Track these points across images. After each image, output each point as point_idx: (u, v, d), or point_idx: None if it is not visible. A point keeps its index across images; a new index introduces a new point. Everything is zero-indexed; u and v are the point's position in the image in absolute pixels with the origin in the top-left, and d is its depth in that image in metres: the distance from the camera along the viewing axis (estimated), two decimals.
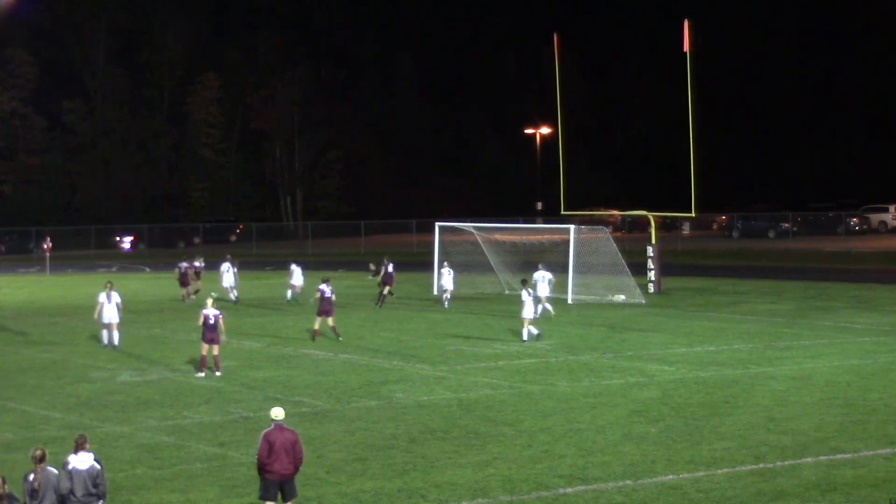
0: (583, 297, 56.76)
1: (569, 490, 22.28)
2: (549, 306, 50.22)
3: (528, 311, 42.76)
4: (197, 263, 60.26)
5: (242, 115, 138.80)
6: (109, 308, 41.76)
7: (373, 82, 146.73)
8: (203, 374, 35.43)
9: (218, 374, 35.46)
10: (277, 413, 20.26)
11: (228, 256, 60.57)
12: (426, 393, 32.38)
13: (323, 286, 43.65)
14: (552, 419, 28.66)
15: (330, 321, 43.34)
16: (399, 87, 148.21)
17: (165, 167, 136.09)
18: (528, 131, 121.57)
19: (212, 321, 35.66)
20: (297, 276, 58.35)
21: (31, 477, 17.67)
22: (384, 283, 55.42)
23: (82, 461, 18.07)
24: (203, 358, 35.86)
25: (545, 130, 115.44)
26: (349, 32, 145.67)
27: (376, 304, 55.25)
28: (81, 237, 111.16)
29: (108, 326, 41.95)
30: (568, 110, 65.82)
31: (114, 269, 69.80)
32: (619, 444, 25.92)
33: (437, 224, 64.10)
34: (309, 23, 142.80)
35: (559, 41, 64.80)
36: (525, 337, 42.69)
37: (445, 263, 56.17)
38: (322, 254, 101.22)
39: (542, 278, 50.28)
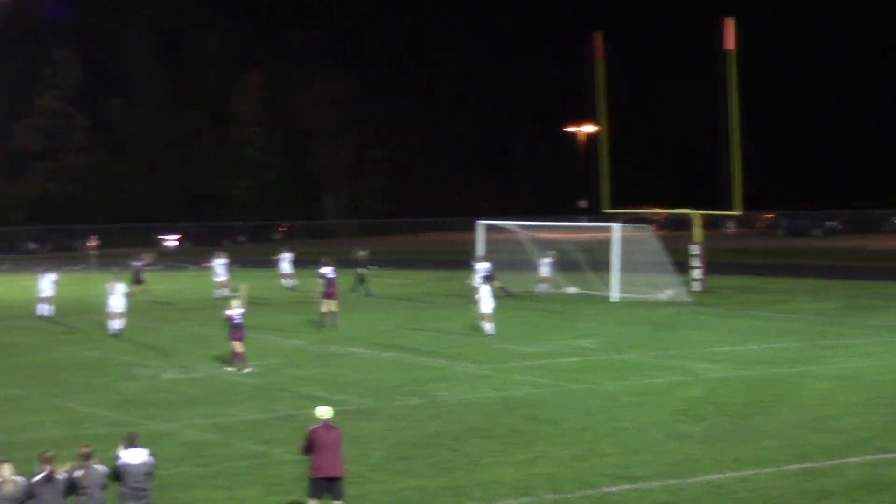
0: (627, 295, 56.59)
1: (613, 489, 22.21)
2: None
3: (485, 307, 43.78)
4: (143, 262, 60.70)
5: (286, 113, 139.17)
6: (115, 298, 45.10)
7: (416, 81, 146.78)
8: (233, 369, 36.01)
9: (247, 370, 35.86)
10: (324, 411, 20.25)
11: (287, 246, 67.01)
12: (470, 391, 32.36)
13: (325, 269, 45.61)
14: (596, 418, 28.59)
15: (333, 305, 44.91)
16: (442, 85, 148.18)
17: (209, 166, 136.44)
18: (571, 129, 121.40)
19: (237, 321, 36.18)
20: (286, 265, 64.18)
21: (78, 474, 17.78)
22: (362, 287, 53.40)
23: (135, 456, 18.27)
24: (237, 354, 36.37)
25: (588, 128, 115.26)
26: (393, 31, 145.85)
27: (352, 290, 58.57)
28: (127, 235, 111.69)
29: (116, 315, 45.37)
30: (611, 108, 65.66)
31: (159, 268, 70.10)
32: (663, 443, 25.83)
33: (480, 222, 64.03)
34: (352, 21, 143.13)
35: (602, 39, 64.65)
36: (488, 331, 43.48)
37: (478, 259, 56.00)
38: (352, 252, 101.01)
39: (481, 270, 53.22)
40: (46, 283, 52.10)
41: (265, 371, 36.01)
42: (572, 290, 59.52)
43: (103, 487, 17.89)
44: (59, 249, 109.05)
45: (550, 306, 54.53)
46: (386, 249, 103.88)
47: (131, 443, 18.44)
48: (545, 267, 60.48)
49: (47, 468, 17.39)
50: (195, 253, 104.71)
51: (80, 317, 51.63)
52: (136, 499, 18.30)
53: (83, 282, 71.83)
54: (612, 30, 74.22)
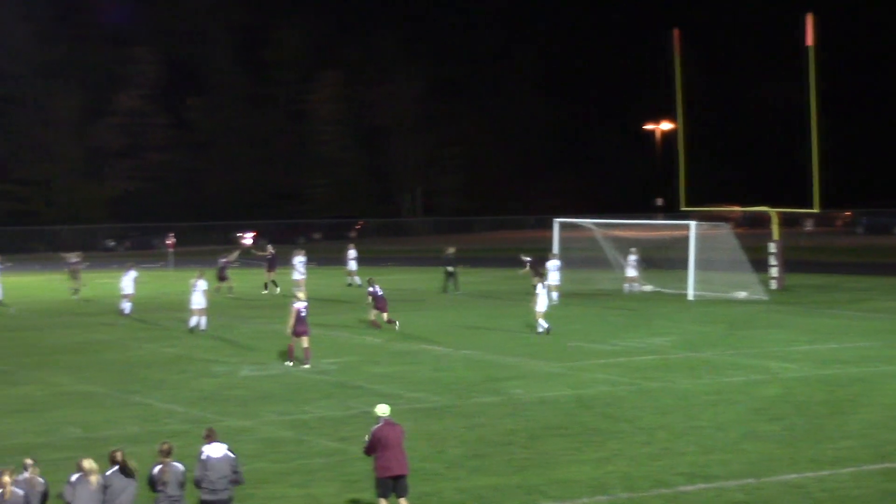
0: (703, 293, 56.29)
1: (689, 488, 22.13)
2: (555, 295, 52.65)
3: (542, 304, 43.53)
4: (74, 260, 60.85)
5: (363, 111, 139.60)
6: (197, 295, 45.70)
7: (492, 78, 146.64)
8: (290, 364, 36.49)
9: (306, 366, 36.21)
10: (384, 409, 20.38)
11: (352, 245, 67.43)
12: (545, 389, 32.33)
13: (372, 288, 46.13)
14: (672, 416, 28.49)
15: (385, 316, 45.75)
16: (518, 82, 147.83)
17: (286, 163, 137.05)
18: (648, 127, 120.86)
19: (303, 314, 36.66)
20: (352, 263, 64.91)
21: (157, 469, 18.07)
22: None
23: (216, 450, 18.70)
24: (291, 349, 36.94)
25: (665, 126, 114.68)
26: (468, 28, 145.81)
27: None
28: (204, 233, 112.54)
29: (197, 312, 45.87)
30: (688, 105, 65.27)
31: (235, 265, 70.38)
32: (740, 442, 25.69)
33: (556, 220, 63.88)
34: (428, 18, 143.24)
35: (679, 35, 64.31)
36: (539, 329, 43.35)
37: (551, 257, 55.91)
38: (441, 250, 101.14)
39: (554, 267, 53.47)
40: (128, 281, 52.49)
41: (342, 368, 36.19)
42: (648, 288, 59.26)
43: (181, 485, 18.14)
44: (137, 247, 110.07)
45: (626, 304, 54.37)
46: (461, 247, 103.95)
47: (211, 438, 18.89)
48: (631, 266, 59.97)
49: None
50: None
51: (159, 314, 52.11)
52: (214, 493, 18.60)
53: (160, 280, 72.45)
54: (691, 26, 73.95)
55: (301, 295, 37.77)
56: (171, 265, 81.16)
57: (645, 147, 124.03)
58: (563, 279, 55.37)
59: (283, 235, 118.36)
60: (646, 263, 60.41)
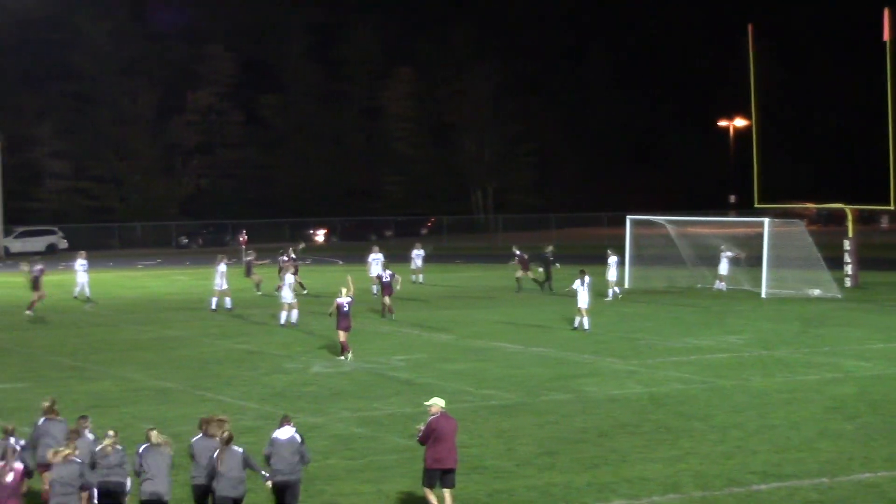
0: (777, 291, 55.87)
1: (762, 486, 21.96)
2: (617, 290, 53.96)
3: (582, 301, 43.62)
4: (38, 267, 53.94)
5: (435, 107, 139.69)
6: (286, 290, 46.38)
7: (565, 74, 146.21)
8: (345, 358, 37.14)
9: (341, 358, 37.13)
10: (439, 401, 20.63)
11: (419, 243, 67.39)
12: (617, 387, 32.22)
13: (382, 272, 49.85)
14: (745, 415, 28.28)
15: (387, 300, 47.94)
16: (591, 78, 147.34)
17: (359, 160, 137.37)
18: (722, 123, 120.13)
19: (346, 309, 37.28)
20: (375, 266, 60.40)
21: (215, 455, 18.91)
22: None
23: (284, 433, 19.68)
24: (343, 343, 37.52)
25: (739, 122, 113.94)
26: (542, 24, 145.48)
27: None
28: (276, 230, 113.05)
29: (288, 306, 46.06)
30: (763, 101, 64.84)
31: (307, 262, 70.64)
32: (814, 441, 25.47)
33: (629, 217, 63.63)
34: (502, 15, 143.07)
35: (754, 31, 63.85)
36: (577, 324, 43.91)
37: (609, 252, 55.64)
38: (507, 247, 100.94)
39: (613, 263, 54.22)
40: (220, 277, 52.05)
41: (412, 365, 36.22)
42: (721, 285, 58.86)
43: (240, 469, 18.85)
44: (209, 244, 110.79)
45: (699, 302, 54.07)
46: (534, 245, 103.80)
47: (284, 422, 19.99)
48: (723, 264, 59.25)
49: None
50: (341, 248, 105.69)
51: (231, 310, 52.27)
52: (281, 473, 19.46)
53: (233, 277, 72.58)
54: (766, 21, 73.39)
55: (345, 290, 38.07)
56: (244, 262, 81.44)
57: (719, 143, 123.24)
58: (632, 276, 55.24)
59: (354, 232, 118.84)
60: (738, 262, 59.75)
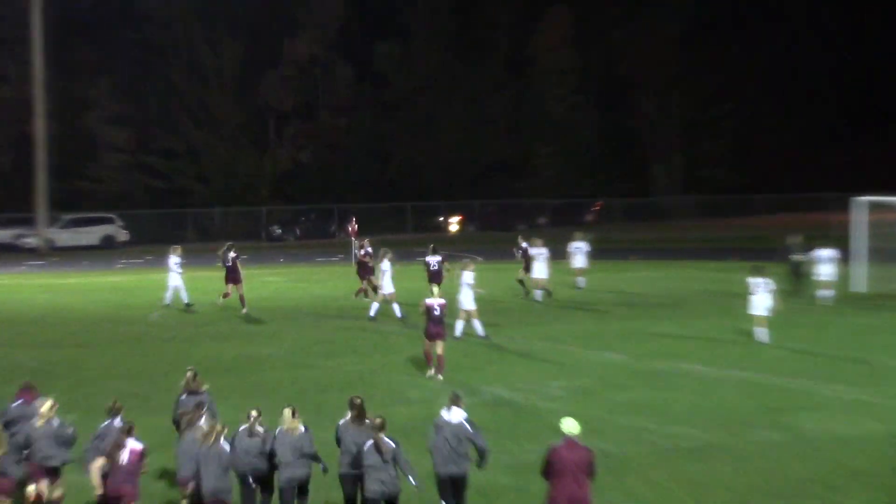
0: None
1: None
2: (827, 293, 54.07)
3: (759, 307, 44.21)
4: (231, 255, 59.27)
5: (601, 59, 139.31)
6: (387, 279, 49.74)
7: (771, 16, 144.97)
8: (432, 373, 38.24)
9: (439, 377, 37.86)
10: (571, 426, 20.76)
11: (580, 234, 64.43)
12: (847, 423, 31.96)
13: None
14: None
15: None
16: (804, 22, 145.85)
17: (502, 128, 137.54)
18: None
19: (437, 312, 38.10)
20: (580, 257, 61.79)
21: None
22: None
23: (455, 416, 23.27)
24: (428, 354, 38.46)
25: None
26: None
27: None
28: (395, 216, 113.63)
29: (464, 314, 46.02)
30: None
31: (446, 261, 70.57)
32: None
33: (857, 199, 62.83)
34: None
35: None
36: (759, 337, 44.44)
37: (819, 246, 55.22)
38: (708, 238, 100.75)
39: (825, 257, 54.85)
40: (387, 278, 51.73)
41: (573, 394, 36.03)
42: None
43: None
44: (309, 235, 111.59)
45: None
46: (730, 235, 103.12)
47: (454, 402, 23.34)
48: None
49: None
50: (480, 240, 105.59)
51: (338, 321, 52.25)
52: (450, 460, 22.58)
53: (341, 276, 72.85)
54: None
55: (435, 290, 38.92)
56: (354, 258, 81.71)
57: None
58: (864, 276, 54.66)
59: (496, 219, 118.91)
60: None
